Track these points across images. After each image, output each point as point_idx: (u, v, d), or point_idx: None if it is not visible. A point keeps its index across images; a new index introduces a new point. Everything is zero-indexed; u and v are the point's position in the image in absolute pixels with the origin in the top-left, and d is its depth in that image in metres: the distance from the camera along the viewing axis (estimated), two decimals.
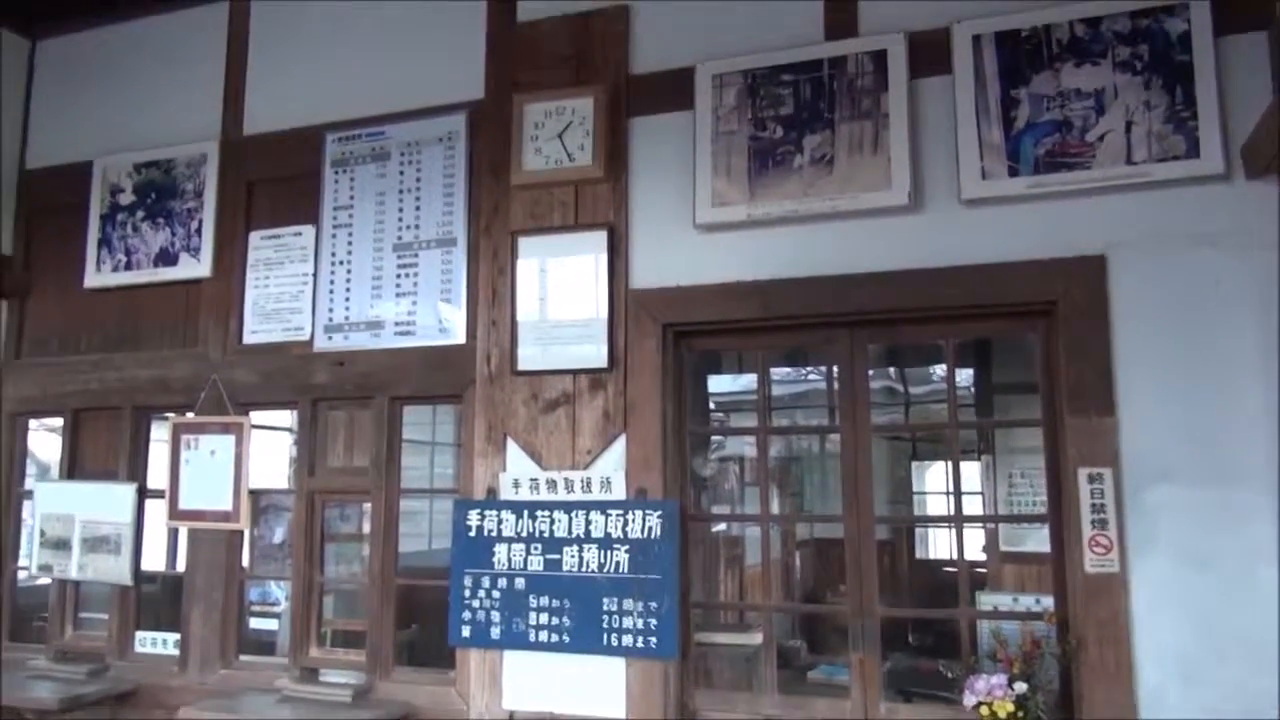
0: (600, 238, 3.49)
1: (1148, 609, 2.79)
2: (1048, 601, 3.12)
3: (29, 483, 4.62)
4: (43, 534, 4.33)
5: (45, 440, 4.87)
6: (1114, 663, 2.78)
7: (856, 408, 3.27)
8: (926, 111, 3.19)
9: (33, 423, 4.70)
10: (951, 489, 3.29)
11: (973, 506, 6.07)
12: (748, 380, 7.38)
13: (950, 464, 3.29)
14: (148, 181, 4.40)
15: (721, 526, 5.86)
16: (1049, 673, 2.88)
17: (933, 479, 9.33)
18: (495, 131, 3.72)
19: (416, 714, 3.54)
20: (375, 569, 3.77)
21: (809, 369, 7.79)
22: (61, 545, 4.28)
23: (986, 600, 4.08)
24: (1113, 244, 2.92)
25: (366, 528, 4.57)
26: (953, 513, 3.28)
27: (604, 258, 3.48)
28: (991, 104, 3.06)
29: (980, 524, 6.26)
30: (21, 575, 4.55)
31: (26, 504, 4.52)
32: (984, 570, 6.06)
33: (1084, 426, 2.88)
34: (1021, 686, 2.78)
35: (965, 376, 6.52)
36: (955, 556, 3.32)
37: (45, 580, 4.39)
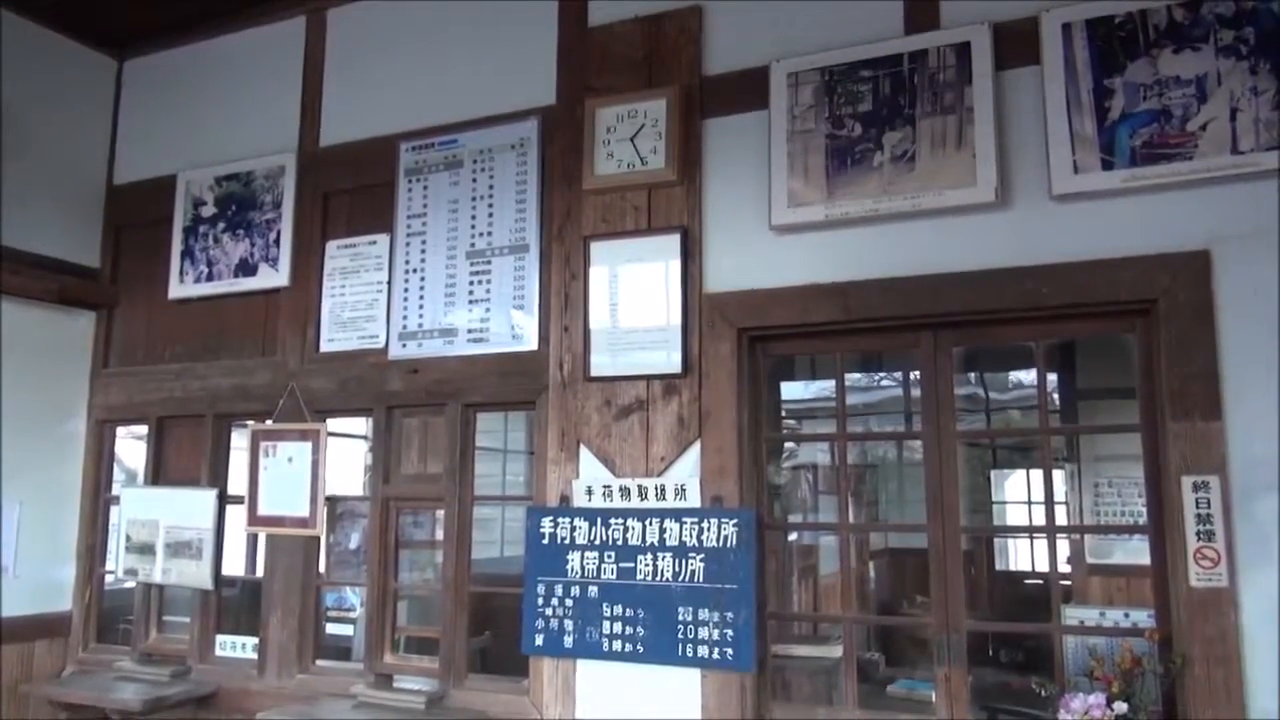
0: (674, 241, 3.44)
1: (1260, 626, 2.61)
2: (1138, 616, 2.96)
3: (116, 488, 4.74)
4: (129, 538, 4.44)
5: (131, 447, 5.00)
6: (1223, 683, 2.62)
7: (940, 413, 3.15)
8: (1013, 104, 3.07)
9: (120, 430, 4.82)
10: (1043, 498, 3.14)
11: (1057, 517, 5.84)
12: (819, 387, 7.25)
13: (1042, 472, 3.15)
14: (228, 194, 4.49)
15: (794, 536, 5.75)
16: (1150, 693, 2.73)
17: (1012, 488, 9.05)
18: (567, 137, 3.70)
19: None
20: (449, 576, 3.76)
21: (882, 374, 7.63)
22: (146, 549, 4.38)
23: (1072, 614, 3.90)
24: (1217, 238, 2.76)
25: (439, 535, 4.59)
26: (1044, 523, 3.13)
27: (677, 261, 3.42)
28: (1083, 94, 2.93)
29: (1073, 535, 6.01)
30: (109, 578, 4.67)
31: (114, 509, 4.64)
32: (1068, 583, 5.83)
33: (1188, 432, 2.72)
34: (1121, 707, 2.64)
35: (1049, 381, 6.31)
36: (1043, 568, 3.18)
37: (131, 583, 4.50)
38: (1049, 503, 3.11)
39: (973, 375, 7.49)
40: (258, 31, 4.61)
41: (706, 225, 3.46)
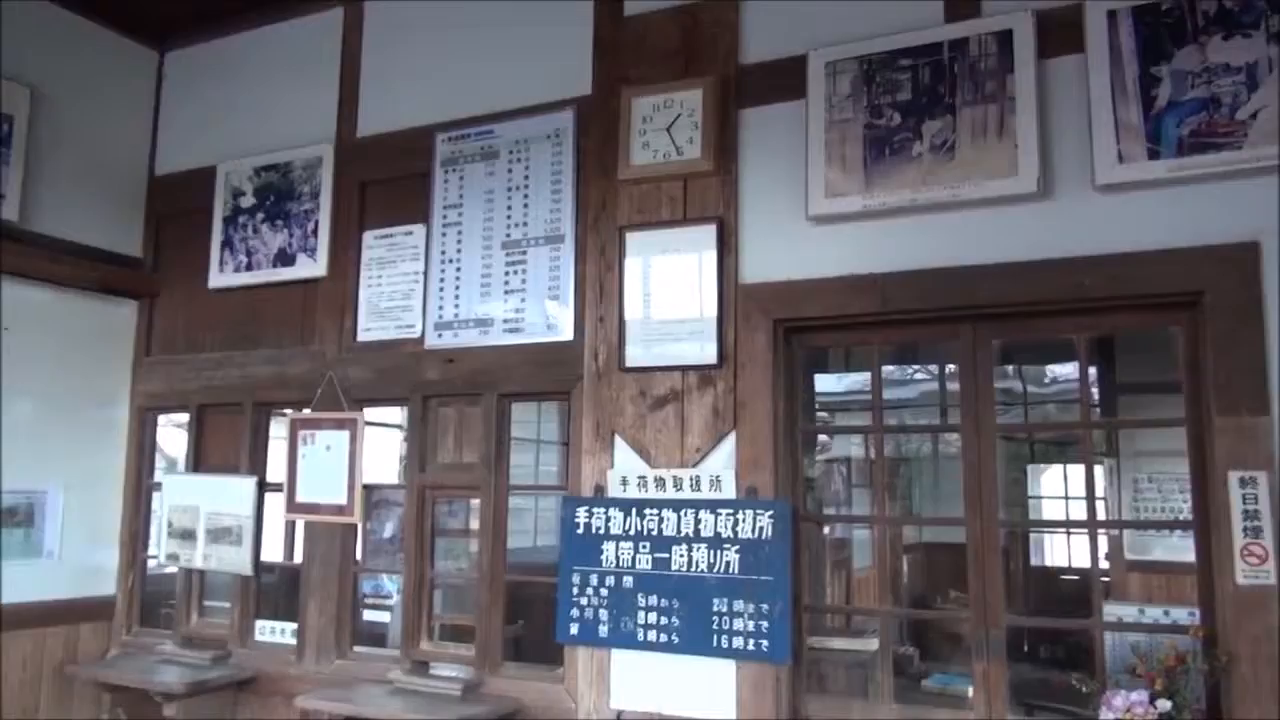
0: (710, 232, 3.43)
1: None
2: (1178, 614, 2.91)
3: (158, 475, 4.82)
4: (170, 524, 4.52)
5: (171, 435, 5.08)
6: (1270, 683, 2.57)
7: (979, 406, 3.12)
8: (1056, 93, 3.02)
9: (161, 418, 4.90)
10: (1084, 493, 3.10)
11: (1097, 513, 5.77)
12: (852, 380, 7.20)
13: (1084, 467, 3.11)
14: (267, 184, 4.54)
15: (827, 529, 5.73)
16: (1194, 690, 2.68)
17: (1048, 483, 8.94)
18: (603, 127, 3.70)
19: (525, 710, 3.54)
20: (484, 565, 3.79)
21: (915, 368, 7.56)
22: (188, 535, 4.45)
23: (1111, 611, 3.85)
24: (1266, 230, 2.70)
25: (473, 524, 4.62)
26: (1082, 518, 3.09)
27: (713, 252, 3.41)
28: (1129, 83, 2.88)
29: (1113, 530, 5.93)
30: (151, 563, 4.75)
31: (155, 495, 4.72)
32: (1106, 579, 5.76)
33: (1235, 426, 2.67)
34: (1165, 704, 2.60)
35: (1070, 371, 6.23)
36: (1079, 564, 3.14)
37: (172, 569, 4.58)
38: (1090, 497, 3.07)
39: (1010, 368, 7.41)
40: (296, 23, 4.65)
41: (742, 216, 3.44)
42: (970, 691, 3.20)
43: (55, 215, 4.52)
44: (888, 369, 7.34)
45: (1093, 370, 6.12)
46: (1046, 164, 2.98)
